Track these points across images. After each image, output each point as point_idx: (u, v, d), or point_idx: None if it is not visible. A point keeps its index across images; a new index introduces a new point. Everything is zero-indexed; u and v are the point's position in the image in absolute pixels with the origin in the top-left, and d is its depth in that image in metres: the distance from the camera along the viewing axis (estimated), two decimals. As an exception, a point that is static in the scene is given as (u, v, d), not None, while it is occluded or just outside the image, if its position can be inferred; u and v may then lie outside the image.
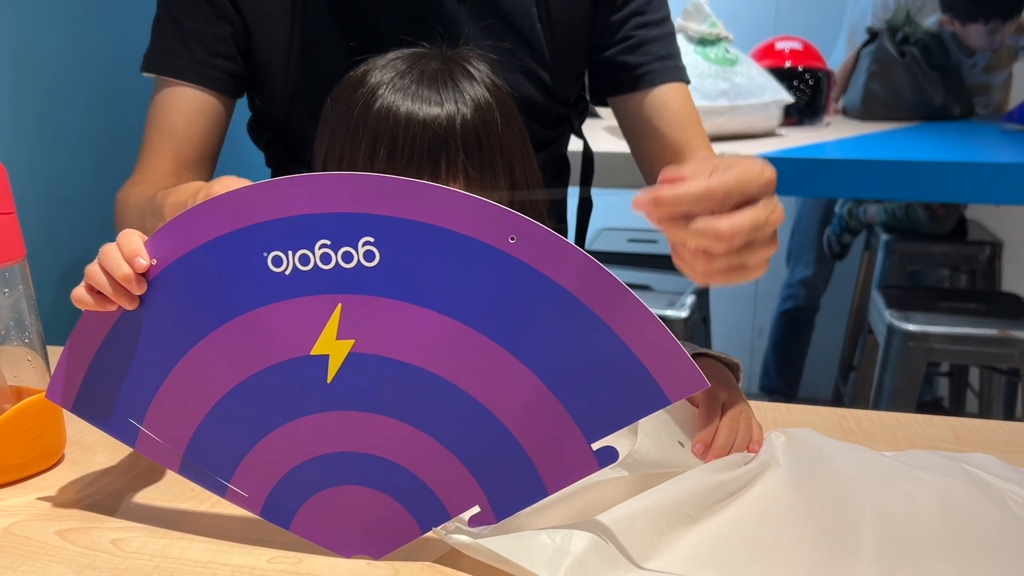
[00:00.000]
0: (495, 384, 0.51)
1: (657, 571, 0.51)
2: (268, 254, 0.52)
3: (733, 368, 0.74)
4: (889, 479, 0.57)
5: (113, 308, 0.55)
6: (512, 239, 0.49)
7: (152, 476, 0.65)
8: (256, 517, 0.58)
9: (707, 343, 2.15)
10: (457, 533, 0.52)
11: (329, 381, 0.52)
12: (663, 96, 0.98)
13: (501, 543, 0.51)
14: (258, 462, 0.55)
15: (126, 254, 0.54)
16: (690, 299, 1.88)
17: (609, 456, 0.50)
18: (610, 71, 1.00)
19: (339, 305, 0.51)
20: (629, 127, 1.03)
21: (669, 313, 1.80)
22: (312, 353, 0.52)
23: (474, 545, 0.51)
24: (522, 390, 0.50)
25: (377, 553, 0.54)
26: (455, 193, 0.50)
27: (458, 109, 0.76)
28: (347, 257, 0.51)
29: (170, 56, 0.93)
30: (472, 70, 0.81)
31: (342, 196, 0.50)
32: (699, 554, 0.53)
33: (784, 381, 2.68)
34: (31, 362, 0.66)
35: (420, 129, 0.75)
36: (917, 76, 2.22)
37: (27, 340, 0.65)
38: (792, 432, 0.63)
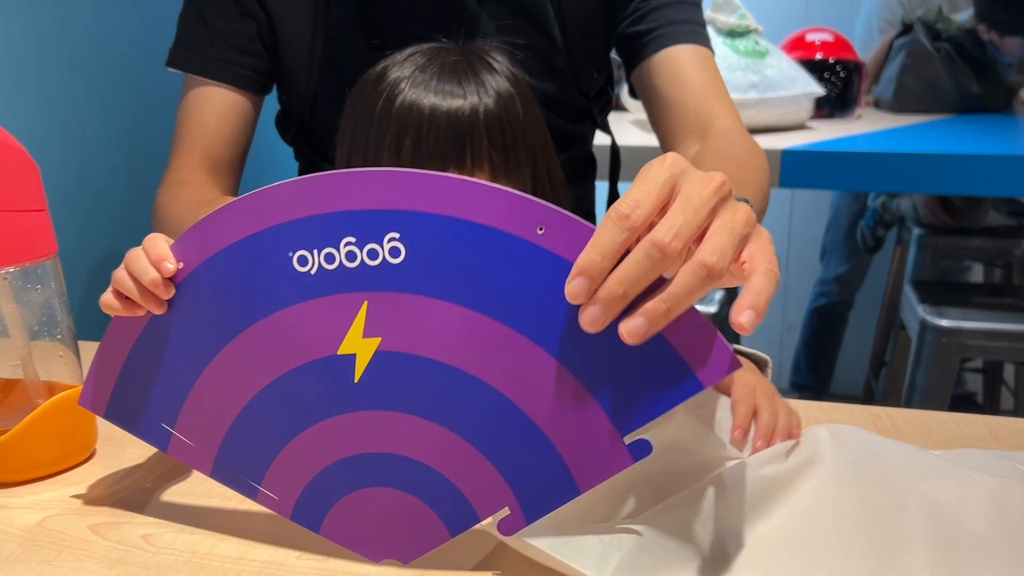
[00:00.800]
0: (524, 379, 0.50)
1: (708, 570, 0.50)
2: (293, 254, 0.52)
3: (761, 364, 0.73)
4: (939, 479, 0.55)
5: (141, 313, 0.56)
6: (541, 229, 0.47)
7: (182, 472, 0.65)
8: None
9: (735, 340, 2.13)
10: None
11: (356, 381, 0.52)
12: (677, 57, 0.92)
13: (548, 541, 0.50)
14: (288, 464, 0.55)
15: (153, 259, 0.54)
16: (719, 294, 1.86)
17: (643, 449, 0.49)
18: (625, 46, 0.97)
19: (365, 303, 0.51)
20: (647, 101, 0.97)
21: (698, 308, 1.79)
22: (339, 353, 0.52)
23: (521, 542, 0.51)
24: (552, 384, 0.49)
25: (407, 557, 0.53)
26: (481, 185, 0.49)
27: (480, 100, 0.76)
28: (372, 254, 0.50)
29: (198, 55, 0.94)
30: (492, 62, 0.81)
31: (366, 193, 0.50)
32: (750, 555, 0.52)
33: (815, 378, 2.66)
34: (63, 358, 0.66)
35: (444, 120, 0.75)
36: (952, 69, 2.19)
37: (59, 336, 0.66)
38: (838, 428, 0.62)
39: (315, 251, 0.51)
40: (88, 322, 1.08)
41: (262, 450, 0.55)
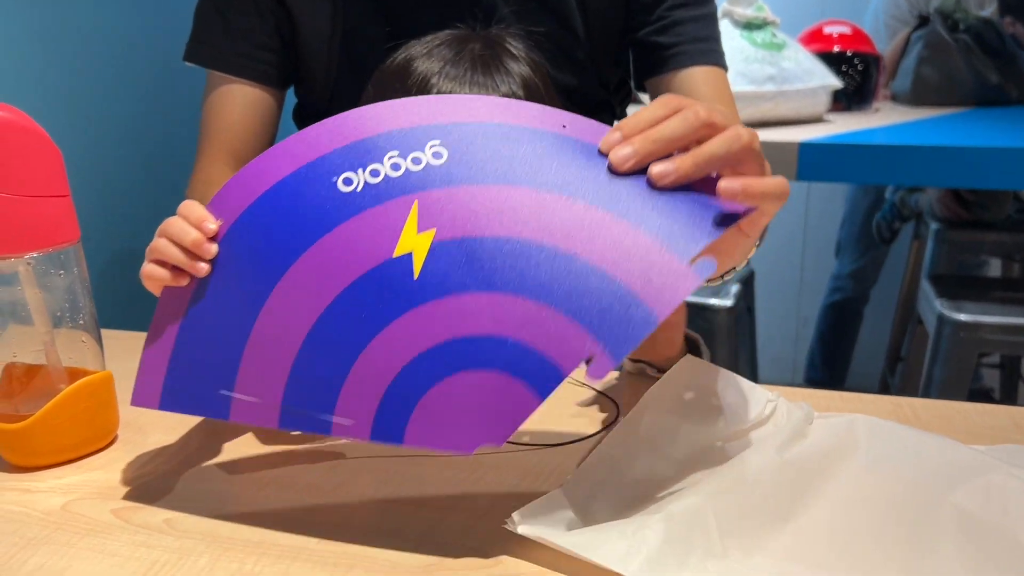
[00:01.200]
0: (578, 234, 0.52)
1: (735, 562, 0.50)
2: (337, 178, 0.54)
3: (695, 344, 0.76)
4: (974, 475, 0.55)
5: (184, 281, 0.55)
6: (565, 127, 0.54)
7: (204, 456, 0.66)
8: (305, 499, 0.59)
9: (752, 332, 2.12)
10: (525, 525, 0.52)
11: (416, 277, 0.53)
12: (694, 79, 0.94)
13: (571, 539, 0.50)
14: (358, 384, 0.54)
15: (193, 220, 0.55)
16: (735, 288, 1.86)
17: (706, 268, 0.50)
18: (643, 52, 0.97)
19: (415, 202, 0.53)
20: None
21: (714, 302, 1.79)
22: (395, 256, 0.53)
23: (545, 539, 0.51)
24: (606, 233, 0.51)
25: (500, 438, 0.52)
26: (511, 100, 0.55)
27: (512, 92, 0.76)
28: (416, 161, 0.54)
29: (216, 49, 0.94)
30: (513, 49, 0.81)
31: (406, 116, 0.54)
32: (781, 547, 0.51)
33: (830, 373, 2.64)
34: (85, 343, 0.67)
35: None
36: (971, 60, 2.17)
37: (82, 322, 0.66)
38: (874, 420, 0.61)
39: (359, 170, 0.54)
40: (108, 311, 1.09)
41: (329, 379, 0.54)
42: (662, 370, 0.77)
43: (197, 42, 0.96)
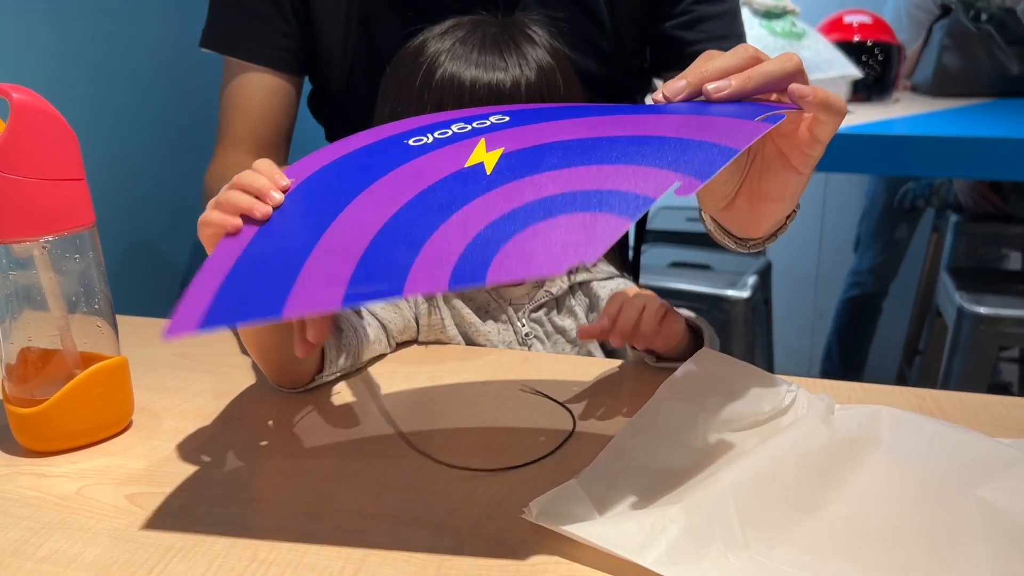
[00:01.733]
0: (646, 128, 0.55)
1: (756, 553, 0.49)
2: (408, 139, 0.59)
3: (700, 331, 0.76)
4: (1001, 469, 0.54)
5: (238, 223, 0.55)
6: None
7: (219, 443, 0.65)
8: (320, 487, 0.58)
9: (768, 324, 2.11)
10: (542, 514, 0.51)
11: (489, 173, 0.54)
12: None
13: (589, 529, 0.50)
14: (435, 250, 0.50)
15: (266, 172, 0.56)
16: (751, 279, 1.84)
17: (775, 118, 0.54)
18: (665, 45, 0.97)
19: (482, 139, 0.58)
20: None
21: (730, 293, 1.77)
22: (467, 165, 0.55)
23: (562, 528, 0.50)
24: (675, 124, 0.55)
25: (592, 254, 0.48)
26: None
27: (522, 72, 0.76)
28: (481, 120, 0.60)
29: (232, 35, 0.93)
30: (532, 34, 0.80)
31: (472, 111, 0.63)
32: (803, 538, 0.50)
33: (846, 367, 2.63)
34: (100, 328, 0.66)
35: (485, 93, 0.75)
36: (993, 50, 2.14)
37: (97, 307, 0.66)
38: (898, 412, 0.60)
39: (428, 134, 0.59)
40: (124, 297, 1.09)
41: (404, 253, 0.51)
42: (661, 359, 0.76)
43: (212, 28, 0.95)
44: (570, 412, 0.69)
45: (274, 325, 0.65)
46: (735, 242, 0.70)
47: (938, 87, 2.20)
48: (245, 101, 0.94)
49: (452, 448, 0.64)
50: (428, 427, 0.67)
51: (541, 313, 0.87)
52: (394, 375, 0.78)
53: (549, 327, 0.88)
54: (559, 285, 0.87)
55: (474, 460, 0.62)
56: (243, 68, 0.94)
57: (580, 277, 0.89)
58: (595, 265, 0.90)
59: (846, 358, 2.64)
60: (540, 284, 0.87)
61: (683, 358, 0.69)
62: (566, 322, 0.88)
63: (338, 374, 0.76)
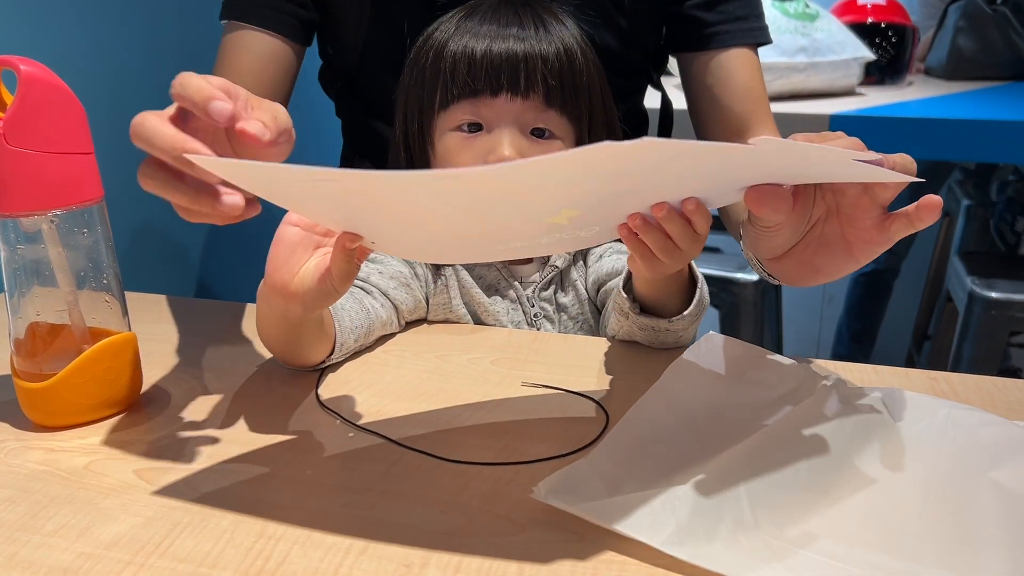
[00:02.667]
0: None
1: (767, 535, 0.49)
2: None
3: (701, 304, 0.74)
4: (1016, 453, 0.53)
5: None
6: None
7: (228, 419, 0.65)
8: (329, 463, 0.58)
9: (777, 308, 2.10)
10: (552, 494, 0.51)
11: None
12: (731, 62, 0.94)
13: (599, 510, 0.49)
14: None
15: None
16: (761, 262, 1.84)
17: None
18: (684, 25, 0.96)
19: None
20: (691, 89, 0.99)
21: (740, 276, 1.76)
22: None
23: (572, 507, 0.50)
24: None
25: None
26: None
27: (540, 44, 0.75)
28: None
29: (244, 2, 0.92)
30: (557, 14, 0.80)
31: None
32: (815, 520, 0.50)
33: (857, 349, 2.62)
34: (109, 304, 0.66)
35: (499, 62, 0.74)
36: (1008, 33, 2.11)
37: (105, 282, 0.65)
38: (910, 393, 0.60)
39: None
40: (133, 274, 1.08)
41: None
42: (644, 310, 0.75)
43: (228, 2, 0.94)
44: (602, 408, 0.68)
45: (288, 319, 0.65)
46: (770, 277, 0.70)
47: (952, 70, 2.17)
48: (239, 63, 0.92)
49: (458, 445, 0.64)
50: (432, 426, 0.67)
51: (551, 291, 0.87)
52: (403, 355, 0.78)
53: (555, 305, 0.88)
54: (565, 256, 0.87)
55: (487, 455, 0.61)
56: (240, 27, 0.92)
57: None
58: None
59: (857, 339, 2.63)
60: (546, 260, 0.86)
61: (672, 313, 0.70)
62: (567, 298, 0.87)
63: (349, 354, 0.76)
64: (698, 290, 0.72)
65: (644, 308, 0.74)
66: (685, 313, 0.72)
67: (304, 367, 0.73)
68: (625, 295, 0.74)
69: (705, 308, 0.75)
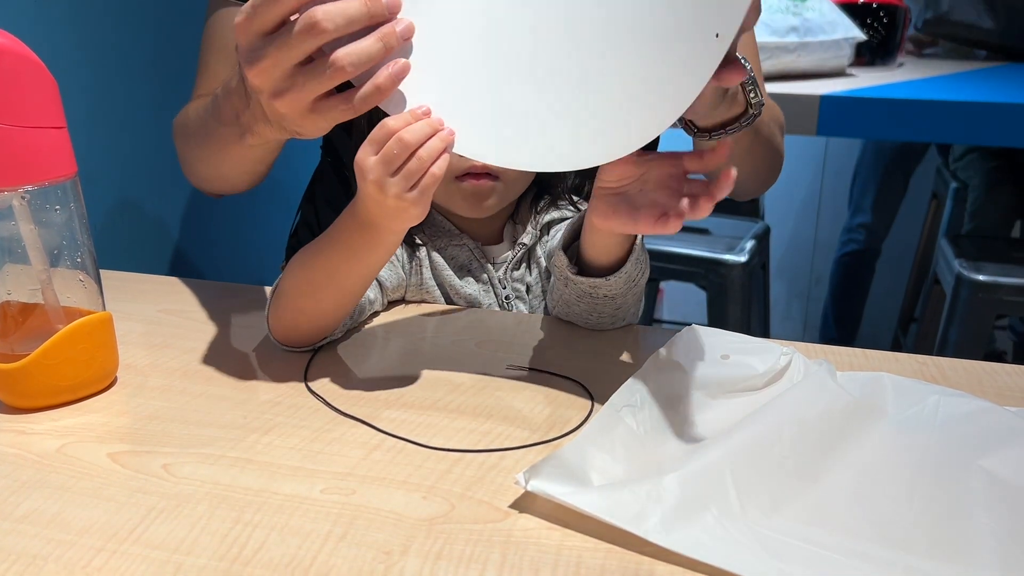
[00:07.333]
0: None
1: (753, 522, 0.48)
2: None
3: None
4: (1006, 439, 0.52)
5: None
6: None
7: (204, 403, 0.64)
8: (308, 448, 0.57)
9: (765, 289, 2.10)
10: (535, 481, 0.50)
11: None
12: None
13: (583, 498, 0.48)
14: None
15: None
16: (749, 244, 1.83)
17: None
18: None
19: None
20: None
21: (728, 257, 1.76)
22: None
23: (558, 498, 0.49)
24: None
25: None
26: None
27: None
28: None
29: None
30: None
31: None
32: (802, 508, 0.49)
33: (842, 330, 2.62)
34: (83, 282, 0.64)
35: None
36: (999, 11, 2.11)
37: (80, 260, 0.64)
38: (901, 380, 0.59)
39: None
40: (108, 252, 1.06)
41: None
42: (583, 271, 0.74)
43: None
44: (587, 391, 0.67)
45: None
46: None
47: (933, 28, 2.16)
48: (225, 36, 0.90)
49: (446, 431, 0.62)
50: (416, 410, 0.66)
51: (522, 271, 0.87)
52: (387, 336, 0.77)
53: (525, 285, 0.87)
54: (531, 232, 0.86)
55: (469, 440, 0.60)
56: (227, 6, 0.90)
57: (548, 217, 0.88)
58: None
59: (841, 322, 2.64)
60: (515, 238, 0.86)
61: (608, 271, 0.71)
62: (532, 277, 0.87)
63: (340, 335, 0.75)
64: (635, 248, 0.72)
65: (583, 271, 0.74)
66: (622, 270, 0.72)
67: (300, 345, 0.72)
68: (564, 256, 0.74)
69: (643, 272, 0.75)
